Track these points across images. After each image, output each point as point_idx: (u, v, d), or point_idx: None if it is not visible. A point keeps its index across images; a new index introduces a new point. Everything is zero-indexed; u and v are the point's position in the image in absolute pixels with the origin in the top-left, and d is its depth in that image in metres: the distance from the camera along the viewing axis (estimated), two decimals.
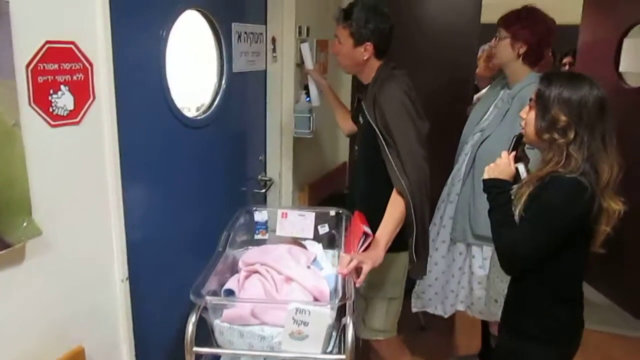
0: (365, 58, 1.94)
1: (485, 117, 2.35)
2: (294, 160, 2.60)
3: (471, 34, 3.20)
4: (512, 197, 1.52)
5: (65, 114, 1.30)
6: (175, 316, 1.71)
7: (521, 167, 1.58)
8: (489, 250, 2.26)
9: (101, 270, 1.49)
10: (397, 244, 1.84)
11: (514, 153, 1.60)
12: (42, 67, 1.23)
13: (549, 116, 1.43)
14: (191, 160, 1.99)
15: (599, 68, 3.63)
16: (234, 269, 1.82)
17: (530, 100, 1.52)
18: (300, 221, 2.06)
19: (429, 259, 2.08)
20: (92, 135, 1.40)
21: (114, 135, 1.46)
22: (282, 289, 1.62)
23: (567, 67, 4.23)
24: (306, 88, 2.51)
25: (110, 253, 1.51)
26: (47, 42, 1.23)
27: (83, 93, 1.35)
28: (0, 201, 1.14)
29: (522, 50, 2.16)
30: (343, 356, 1.46)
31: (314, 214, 2.06)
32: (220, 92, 2.14)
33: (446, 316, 2.57)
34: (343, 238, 1.92)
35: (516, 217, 1.48)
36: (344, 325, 1.48)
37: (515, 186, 1.54)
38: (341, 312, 1.52)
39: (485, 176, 1.60)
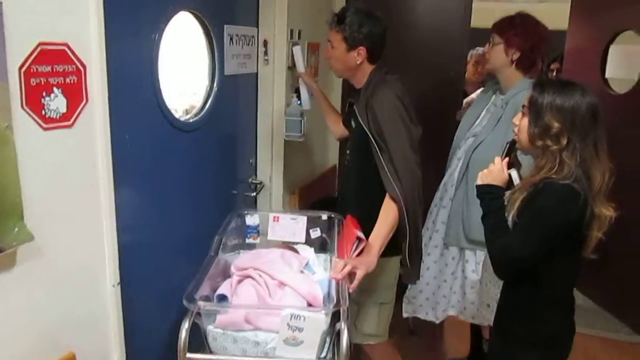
0: (358, 62, 1.93)
1: (478, 122, 2.36)
2: (285, 164, 2.59)
3: (461, 38, 3.21)
4: (506, 203, 1.53)
5: (58, 117, 1.28)
6: (168, 322, 1.69)
7: (514, 173, 1.59)
8: (482, 254, 2.27)
9: (93, 276, 1.47)
10: (389, 249, 1.83)
11: (507, 159, 1.61)
12: (35, 69, 1.21)
13: (542, 123, 1.44)
14: (183, 163, 1.97)
15: (585, 74, 3.67)
16: (226, 274, 1.80)
17: (523, 106, 1.53)
18: (292, 225, 2.04)
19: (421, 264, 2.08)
20: (84, 138, 1.38)
21: (107, 138, 1.44)
22: (276, 294, 1.61)
23: (554, 73, 4.27)
24: (297, 91, 2.50)
25: (101, 258, 1.49)
26: (41, 43, 1.21)
27: (76, 96, 1.33)
28: None
29: (515, 56, 2.17)
30: None
31: (305, 217, 2.04)
32: (212, 94, 2.13)
33: (438, 322, 2.57)
34: (335, 242, 1.91)
35: (509, 223, 1.49)
36: (339, 331, 1.48)
37: (508, 192, 1.55)
38: (335, 317, 1.51)
39: (479, 182, 1.61)
